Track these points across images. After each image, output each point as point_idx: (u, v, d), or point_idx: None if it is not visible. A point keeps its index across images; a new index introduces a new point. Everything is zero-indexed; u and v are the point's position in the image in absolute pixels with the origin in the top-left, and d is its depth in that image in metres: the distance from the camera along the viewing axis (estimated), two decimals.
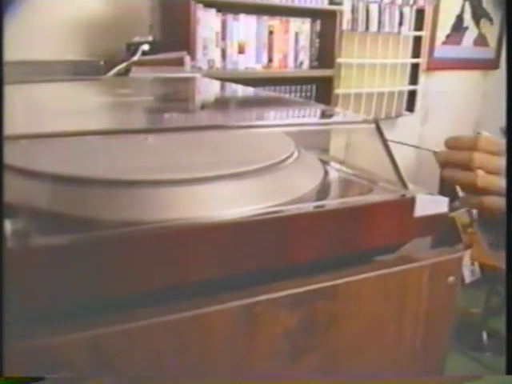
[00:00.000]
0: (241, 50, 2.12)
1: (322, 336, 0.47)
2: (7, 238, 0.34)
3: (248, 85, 2.28)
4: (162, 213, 0.40)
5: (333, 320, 0.47)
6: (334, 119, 0.63)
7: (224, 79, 2.09)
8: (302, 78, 2.40)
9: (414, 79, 2.92)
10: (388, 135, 0.51)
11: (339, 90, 2.55)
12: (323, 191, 0.50)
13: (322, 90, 2.45)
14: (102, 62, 0.98)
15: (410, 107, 2.95)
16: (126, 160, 0.47)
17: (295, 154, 0.52)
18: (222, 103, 0.92)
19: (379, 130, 0.50)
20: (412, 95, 2.94)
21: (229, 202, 0.42)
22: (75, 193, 0.41)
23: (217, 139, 0.54)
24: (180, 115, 0.65)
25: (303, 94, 2.40)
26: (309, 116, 0.66)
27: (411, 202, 0.50)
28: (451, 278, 0.55)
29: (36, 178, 0.42)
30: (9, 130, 0.38)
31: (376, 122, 0.51)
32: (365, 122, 0.53)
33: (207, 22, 2.03)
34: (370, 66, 2.71)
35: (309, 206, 0.45)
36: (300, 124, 0.55)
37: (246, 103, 0.89)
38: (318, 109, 0.69)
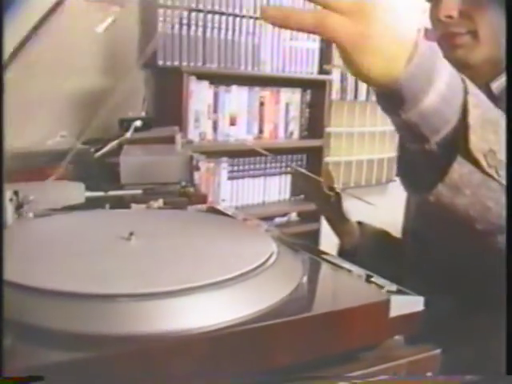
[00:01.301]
0: (232, 122, 2.19)
1: None
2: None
3: (239, 156, 2.34)
4: (146, 326, 0.41)
5: None
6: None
7: (215, 152, 2.15)
8: (293, 148, 2.46)
9: None
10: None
11: (329, 159, 2.61)
12: (300, 295, 0.51)
13: (313, 159, 2.50)
14: (92, 150, 1.01)
15: None
16: (109, 268, 0.48)
17: (273, 257, 0.54)
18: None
19: None
20: None
21: (207, 313, 0.44)
22: (57, 307, 0.42)
23: (197, 243, 0.55)
24: None
25: (294, 163, 2.45)
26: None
27: (386, 303, 0.51)
28: (429, 374, 0.55)
29: (20, 292, 0.43)
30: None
31: None
32: None
33: (200, 94, 2.09)
34: (359, 134, 2.78)
35: (285, 314, 0.46)
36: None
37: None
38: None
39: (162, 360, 0.40)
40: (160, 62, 2.06)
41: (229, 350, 0.43)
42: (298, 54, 2.46)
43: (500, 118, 0.52)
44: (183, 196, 0.81)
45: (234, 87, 2.24)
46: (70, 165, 0.94)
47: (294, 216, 2.54)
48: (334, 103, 2.62)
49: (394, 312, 0.51)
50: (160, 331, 0.41)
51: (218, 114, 2.15)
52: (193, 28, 2.13)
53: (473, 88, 0.51)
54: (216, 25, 2.19)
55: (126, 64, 2.07)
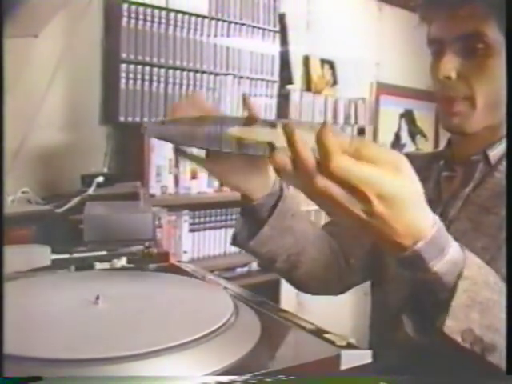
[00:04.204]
0: (193, 176, 2.23)
1: None
2: None
3: (200, 209, 2.36)
4: None
5: None
6: None
7: (177, 205, 2.18)
8: None
9: None
10: None
11: None
12: (259, 353, 0.55)
13: None
14: (55, 210, 1.04)
15: None
16: (78, 334, 0.51)
17: (233, 317, 0.58)
18: None
19: None
20: None
21: (172, 373, 0.47)
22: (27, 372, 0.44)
23: (160, 305, 0.59)
24: None
25: None
26: None
27: (337, 358, 0.55)
28: None
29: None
30: None
31: None
32: None
33: (161, 149, 2.13)
34: None
35: (246, 371, 0.50)
36: None
37: None
38: None
39: None
40: (121, 118, 2.10)
41: None
42: (257, 108, 2.54)
43: (492, 294, 0.55)
44: (146, 256, 0.85)
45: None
46: (33, 226, 0.96)
47: (254, 266, 2.57)
48: None
49: (344, 365, 0.56)
50: None
51: (180, 168, 2.19)
52: (154, 84, 2.19)
53: (470, 267, 0.54)
54: (178, 80, 2.26)
55: (87, 120, 2.11)
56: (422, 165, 0.82)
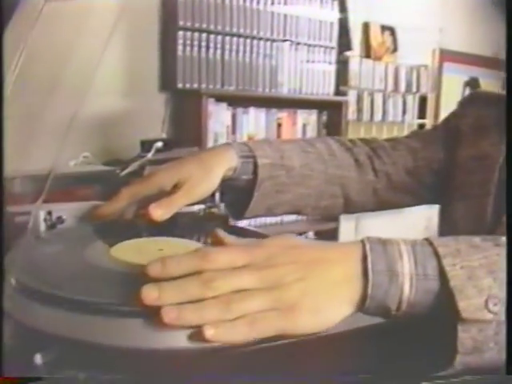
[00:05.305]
0: None
1: None
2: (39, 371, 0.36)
3: None
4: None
5: None
6: None
7: None
8: None
9: None
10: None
11: None
12: None
13: None
14: (117, 171, 1.04)
15: None
16: None
17: None
18: None
19: None
20: None
21: None
22: (97, 320, 0.43)
23: None
24: None
25: None
26: None
27: None
28: None
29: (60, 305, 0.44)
30: None
31: None
32: None
33: (218, 115, 2.13)
34: None
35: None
36: None
37: None
38: None
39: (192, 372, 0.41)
40: (179, 85, 2.10)
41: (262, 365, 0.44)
42: (315, 75, 2.49)
43: (485, 251, 0.44)
44: (207, 217, 0.83)
45: (252, 109, 2.28)
46: (96, 186, 0.97)
47: (310, 235, 2.55)
48: (351, 124, 2.65)
49: None
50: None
51: (237, 134, 2.18)
52: (211, 51, 2.17)
53: (441, 244, 0.43)
54: (234, 47, 2.23)
55: (146, 87, 2.12)
56: None
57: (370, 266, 0.41)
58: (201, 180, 0.66)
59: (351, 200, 0.81)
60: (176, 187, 0.64)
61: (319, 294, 0.41)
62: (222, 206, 0.80)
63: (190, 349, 0.40)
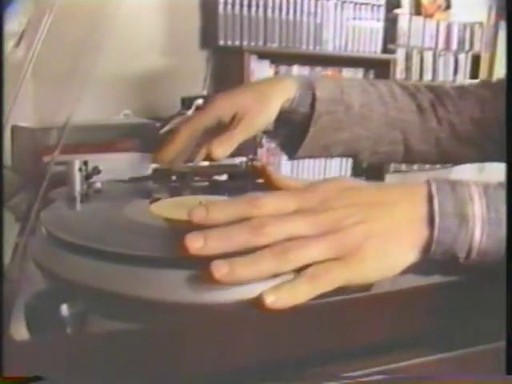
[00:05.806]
0: None
1: None
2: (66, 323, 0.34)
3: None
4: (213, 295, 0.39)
5: None
6: None
7: None
8: None
9: None
10: None
11: None
12: None
13: None
14: (157, 124, 1.01)
15: None
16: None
17: None
18: None
19: None
20: None
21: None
22: (129, 271, 0.41)
23: None
24: None
25: None
26: None
27: None
28: None
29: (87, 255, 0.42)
30: None
31: None
32: None
33: (260, 73, 2.07)
34: None
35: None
36: None
37: None
38: None
39: (234, 330, 0.38)
40: (221, 42, 2.05)
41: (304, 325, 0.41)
42: (362, 32, 2.40)
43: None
44: (250, 170, 0.80)
45: (296, 66, 2.21)
46: (136, 138, 0.95)
47: None
48: None
49: None
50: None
51: None
52: (253, 9, 2.11)
53: None
54: (277, 5, 2.16)
55: (187, 44, 2.08)
56: None
57: (436, 207, 0.37)
58: (259, 111, 0.63)
59: (412, 148, 0.77)
60: (234, 118, 0.61)
61: (384, 236, 0.37)
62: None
63: (239, 302, 0.37)
